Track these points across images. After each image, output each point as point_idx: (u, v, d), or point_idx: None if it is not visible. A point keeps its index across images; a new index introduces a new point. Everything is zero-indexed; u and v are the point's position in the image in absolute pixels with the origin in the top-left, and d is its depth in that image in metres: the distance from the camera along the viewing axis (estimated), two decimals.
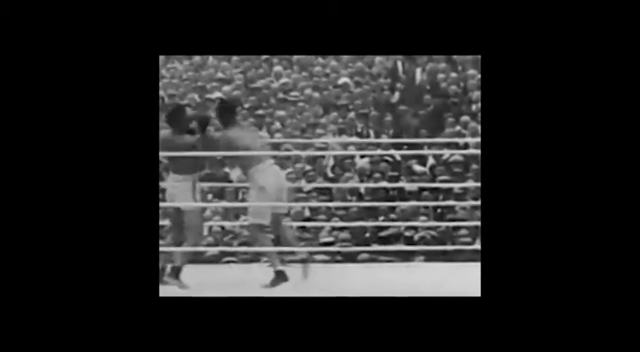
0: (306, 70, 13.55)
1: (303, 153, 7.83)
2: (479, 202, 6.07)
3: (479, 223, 5.91)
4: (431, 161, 11.52)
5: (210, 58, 13.86)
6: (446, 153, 11.26)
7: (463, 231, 10.19)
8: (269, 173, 7.34)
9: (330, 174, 11.34)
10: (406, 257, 9.86)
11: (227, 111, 7.66)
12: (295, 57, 13.67)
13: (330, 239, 10.24)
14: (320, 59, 13.69)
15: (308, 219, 10.55)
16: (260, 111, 12.61)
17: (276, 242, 7.52)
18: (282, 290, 7.13)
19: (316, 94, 12.99)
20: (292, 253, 7.65)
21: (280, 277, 7.21)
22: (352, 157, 11.35)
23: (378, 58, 13.45)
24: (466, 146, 11.03)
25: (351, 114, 12.52)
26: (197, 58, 13.88)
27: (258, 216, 7.30)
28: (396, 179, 11.09)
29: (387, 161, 11.35)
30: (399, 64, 13.11)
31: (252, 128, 7.88)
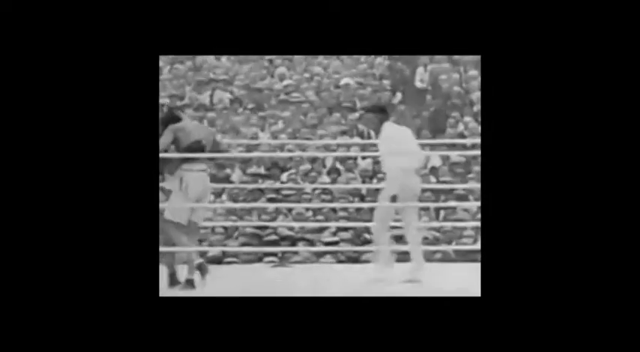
0: (306, 69, 13.57)
1: (305, 154, 7.81)
2: (479, 203, 6.07)
3: (479, 224, 5.91)
4: (434, 162, 11.52)
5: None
6: (449, 154, 11.26)
7: (467, 232, 10.19)
8: (198, 178, 7.35)
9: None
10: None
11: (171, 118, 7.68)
12: (294, 57, 13.71)
13: (334, 239, 10.24)
14: (321, 59, 13.73)
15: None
16: (262, 113, 12.64)
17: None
18: (282, 291, 7.15)
19: (316, 96, 13.00)
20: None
21: (189, 284, 7.26)
22: (354, 158, 11.36)
23: (378, 59, 13.47)
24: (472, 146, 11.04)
25: (354, 115, 12.54)
26: (199, 59, 13.92)
27: (177, 215, 7.34)
28: None
29: None
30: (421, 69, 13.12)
31: (198, 123, 7.98)
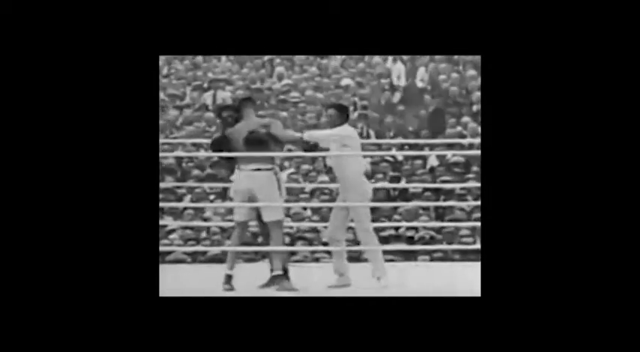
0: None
1: (304, 154, 7.80)
2: (479, 202, 6.07)
3: (478, 223, 5.91)
4: (432, 162, 11.52)
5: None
6: (448, 153, 11.26)
7: (464, 231, 10.18)
8: (242, 176, 7.37)
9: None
10: (409, 257, 9.87)
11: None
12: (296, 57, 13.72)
13: None
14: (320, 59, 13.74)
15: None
16: (261, 112, 12.62)
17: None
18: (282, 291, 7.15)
19: (319, 95, 13.00)
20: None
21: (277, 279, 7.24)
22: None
23: (377, 59, 13.48)
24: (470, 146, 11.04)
25: (353, 115, 12.52)
26: (199, 58, 13.93)
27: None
28: (397, 179, 11.09)
29: (387, 161, 11.35)
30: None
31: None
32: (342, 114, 7.61)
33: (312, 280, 7.69)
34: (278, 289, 7.14)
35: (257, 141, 7.37)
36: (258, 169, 7.33)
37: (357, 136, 7.66)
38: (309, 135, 7.50)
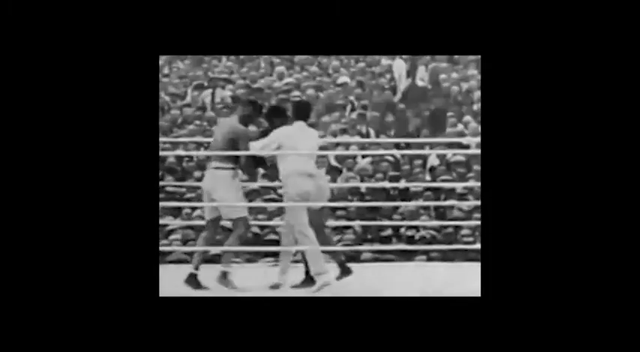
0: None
1: (304, 153, 7.79)
2: (479, 202, 6.07)
3: (479, 223, 5.91)
4: (432, 161, 11.51)
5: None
6: (448, 153, 11.26)
7: (465, 231, 10.19)
8: (206, 174, 7.47)
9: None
10: (408, 257, 9.86)
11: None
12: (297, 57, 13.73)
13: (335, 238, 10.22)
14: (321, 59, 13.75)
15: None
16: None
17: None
18: (283, 291, 7.16)
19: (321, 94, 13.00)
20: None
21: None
22: (354, 157, 11.34)
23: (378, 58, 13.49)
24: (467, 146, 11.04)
25: (353, 114, 12.53)
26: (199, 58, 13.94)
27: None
28: (397, 179, 11.08)
29: (387, 161, 11.35)
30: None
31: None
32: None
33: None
34: (219, 283, 7.16)
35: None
36: (218, 168, 7.34)
37: (295, 134, 7.37)
38: (253, 147, 7.36)
